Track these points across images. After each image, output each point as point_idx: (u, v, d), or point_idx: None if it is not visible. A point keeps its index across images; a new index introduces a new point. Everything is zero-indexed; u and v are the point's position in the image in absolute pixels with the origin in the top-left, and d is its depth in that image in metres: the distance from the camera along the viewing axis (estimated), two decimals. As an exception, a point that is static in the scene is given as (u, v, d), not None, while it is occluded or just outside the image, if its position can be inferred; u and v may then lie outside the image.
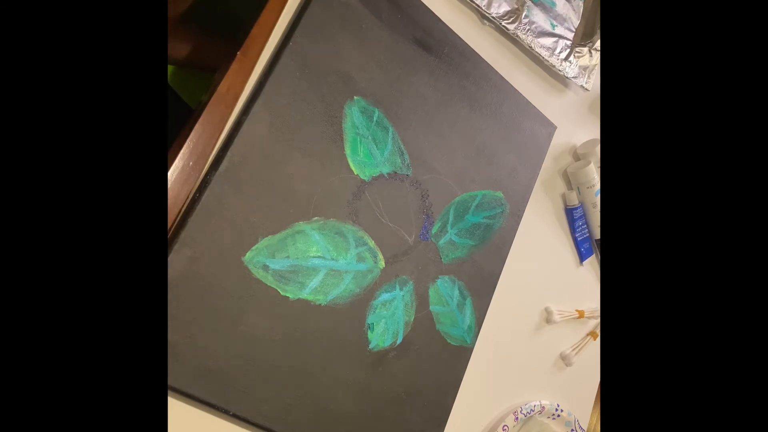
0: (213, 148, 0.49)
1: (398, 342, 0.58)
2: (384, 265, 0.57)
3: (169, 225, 0.46)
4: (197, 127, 0.48)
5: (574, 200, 0.80)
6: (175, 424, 0.45)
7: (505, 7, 0.73)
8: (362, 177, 0.57)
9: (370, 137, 0.57)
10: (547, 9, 0.82)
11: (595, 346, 0.81)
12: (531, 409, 0.70)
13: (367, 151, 0.57)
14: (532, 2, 0.78)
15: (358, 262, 0.55)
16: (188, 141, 0.47)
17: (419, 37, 0.62)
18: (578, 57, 0.85)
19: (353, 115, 0.56)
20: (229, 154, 0.48)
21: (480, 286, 0.66)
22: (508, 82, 0.71)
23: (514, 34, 0.74)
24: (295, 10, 0.54)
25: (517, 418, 0.68)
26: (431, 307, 0.61)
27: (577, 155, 0.84)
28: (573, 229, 0.81)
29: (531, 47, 0.77)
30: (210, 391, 0.46)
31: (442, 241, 0.62)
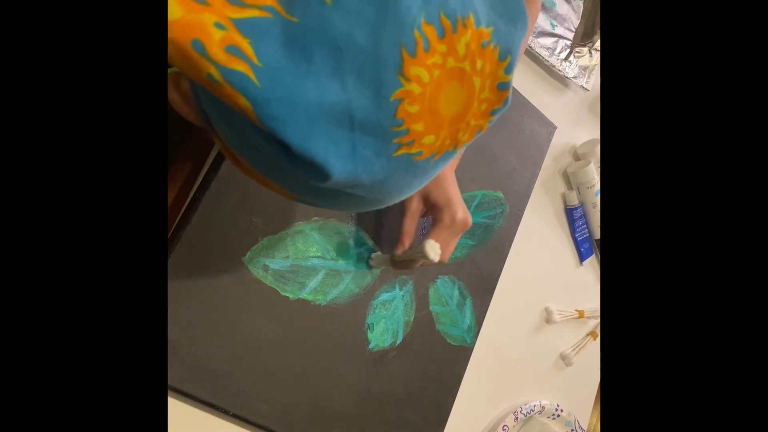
0: (213, 149, 0.49)
1: (398, 342, 0.58)
2: (384, 265, 0.57)
3: (169, 225, 0.46)
4: (198, 127, 0.48)
5: (574, 200, 0.80)
6: (175, 424, 0.45)
7: (505, 7, 0.73)
8: (362, 177, 0.56)
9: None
10: (547, 9, 0.82)
11: (595, 346, 0.81)
12: (531, 409, 0.70)
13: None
14: (532, 2, 0.77)
15: (357, 262, 0.55)
16: (189, 141, 0.47)
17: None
18: (578, 57, 0.85)
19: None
20: (229, 154, 0.48)
21: (480, 286, 0.66)
22: (508, 82, 0.71)
23: (514, 34, 0.74)
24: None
25: (517, 418, 0.68)
26: (431, 307, 0.61)
27: (577, 155, 0.84)
28: (573, 229, 0.81)
29: (531, 47, 0.77)
30: (210, 391, 0.46)
31: (442, 241, 0.62)
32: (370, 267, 0.56)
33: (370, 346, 0.56)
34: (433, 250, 0.45)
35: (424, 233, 0.61)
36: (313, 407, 0.51)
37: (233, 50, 0.22)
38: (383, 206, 0.33)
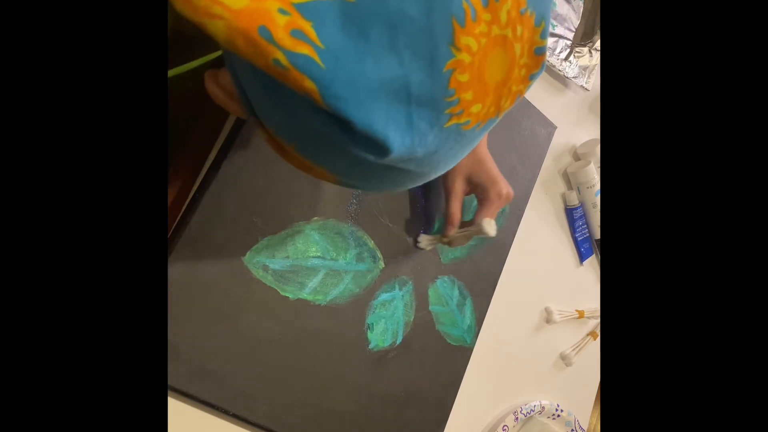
0: (213, 149, 0.49)
1: (398, 342, 0.58)
2: (383, 265, 0.57)
3: (169, 225, 0.46)
4: (198, 126, 0.48)
5: (574, 200, 0.80)
6: (175, 424, 0.45)
7: (505, 7, 0.73)
8: (362, 177, 0.56)
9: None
10: (547, 9, 0.82)
11: (595, 346, 0.81)
12: (531, 409, 0.70)
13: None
14: (532, 2, 0.77)
15: (357, 262, 0.55)
16: (189, 141, 0.47)
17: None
18: (578, 57, 0.85)
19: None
20: (229, 154, 0.48)
21: (480, 286, 0.66)
22: (508, 82, 0.71)
23: (514, 34, 0.74)
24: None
25: (517, 418, 0.68)
26: (431, 307, 0.61)
27: (577, 155, 0.84)
28: (573, 229, 0.81)
29: (531, 47, 0.77)
30: (210, 391, 0.46)
31: (442, 241, 0.62)
32: (419, 248, 0.59)
33: (370, 346, 0.56)
34: (490, 226, 0.49)
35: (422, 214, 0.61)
36: (313, 407, 0.51)
37: (298, 34, 0.22)
38: (427, 181, 0.34)
